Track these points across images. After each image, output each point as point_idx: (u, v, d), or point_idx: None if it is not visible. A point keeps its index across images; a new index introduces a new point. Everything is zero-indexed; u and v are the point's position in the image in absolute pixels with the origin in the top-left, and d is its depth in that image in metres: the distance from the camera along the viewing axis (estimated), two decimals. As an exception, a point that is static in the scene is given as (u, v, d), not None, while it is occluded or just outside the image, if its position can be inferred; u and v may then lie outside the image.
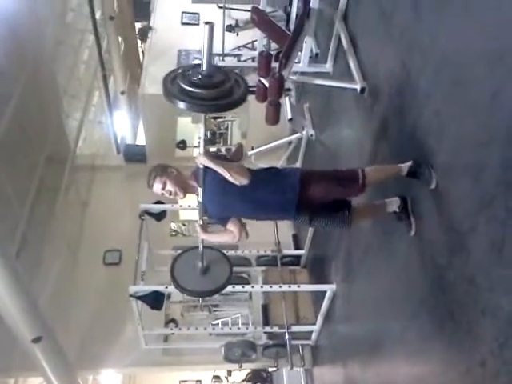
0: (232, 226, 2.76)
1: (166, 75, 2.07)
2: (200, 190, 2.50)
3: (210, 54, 1.94)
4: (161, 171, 2.66)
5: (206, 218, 2.75)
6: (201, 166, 2.40)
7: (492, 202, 1.98)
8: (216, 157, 2.56)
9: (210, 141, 9.19)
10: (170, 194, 2.69)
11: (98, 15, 7.32)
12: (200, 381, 10.72)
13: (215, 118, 9.06)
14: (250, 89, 6.30)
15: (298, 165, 6.08)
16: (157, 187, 2.66)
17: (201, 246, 2.73)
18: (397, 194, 2.89)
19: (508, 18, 1.89)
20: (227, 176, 2.50)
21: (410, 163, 2.65)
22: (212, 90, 1.99)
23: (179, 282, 2.77)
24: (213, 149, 9.23)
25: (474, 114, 2.13)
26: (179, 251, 3.00)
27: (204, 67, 1.97)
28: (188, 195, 2.81)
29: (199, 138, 2.34)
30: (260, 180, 2.67)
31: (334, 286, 4.67)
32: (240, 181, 2.55)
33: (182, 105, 1.95)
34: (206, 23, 1.84)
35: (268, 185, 2.70)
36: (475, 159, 2.13)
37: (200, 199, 2.54)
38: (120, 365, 5.98)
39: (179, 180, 2.69)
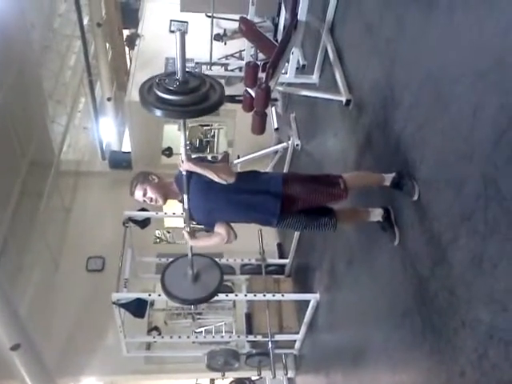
0: (220, 228, 2.77)
1: (142, 84, 2.09)
2: (184, 197, 2.51)
3: (184, 61, 1.96)
4: (142, 178, 2.69)
5: (193, 224, 2.75)
6: (184, 173, 2.42)
7: (472, 215, 2.03)
8: (199, 160, 2.59)
9: (197, 149, 9.22)
10: (151, 201, 2.71)
11: (85, 21, 7.30)
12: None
13: (202, 126, 9.09)
14: (237, 98, 6.36)
15: (284, 174, 6.12)
16: (138, 194, 2.69)
17: (190, 254, 2.74)
18: (381, 205, 2.93)
19: (489, 37, 1.95)
20: (214, 177, 2.53)
21: (393, 174, 2.71)
22: (187, 95, 2.01)
23: (170, 290, 2.77)
24: (194, 155, 9.26)
25: (456, 129, 2.18)
26: (170, 259, 3.00)
27: (179, 74, 1.98)
28: (173, 202, 2.82)
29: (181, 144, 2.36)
30: (244, 181, 2.70)
31: (317, 296, 4.69)
32: (226, 179, 2.57)
33: (158, 112, 1.98)
34: (178, 30, 1.88)
35: (252, 185, 2.73)
36: (457, 173, 2.17)
37: (185, 206, 2.55)
38: (101, 373, 5.90)
39: (160, 187, 2.71)
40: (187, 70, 2.05)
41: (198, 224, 2.79)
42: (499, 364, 1.85)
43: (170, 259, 3.05)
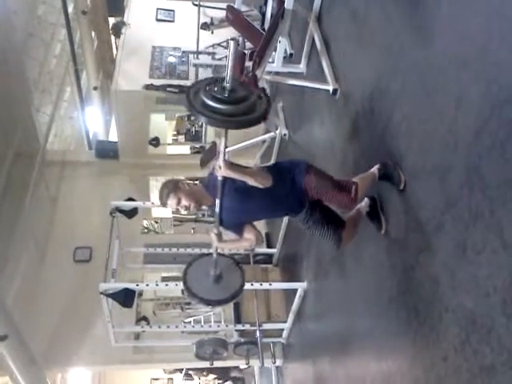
0: (249, 234, 2.74)
1: (188, 88, 2.05)
2: (217, 201, 2.46)
3: (233, 70, 1.95)
4: (173, 187, 2.59)
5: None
6: (220, 178, 2.37)
7: (456, 203, 2.06)
8: (234, 165, 2.50)
9: (185, 138, 9.18)
10: (186, 209, 2.62)
11: (70, 9, 7.20)
12: (172, 379, 10.70)
13: (189, 117, 9.04)
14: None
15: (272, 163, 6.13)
16: (171, 203, 2.59)
17: (215, 254, 2.69)
18: (366, 195, 2.94)
19: (472, 27, 1.97)
20: (252, 182, 2.51)
21: (377, 166, 2.72)
22: (235, 105, 1.99)
23: (192, 289, 2.71)
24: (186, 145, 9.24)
25: (440, 118, 2.20)
26: (193, 258, 2.91)
27: (228, 82, 1.96)
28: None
29: (218, 152, 2.36)
30: (275, 175, 2.67)
31: (304, 284, 4.73)
32: (264, 183, 2.56)
33: (207, 120, 1.97)
34: (232, 40, 1.87)
35: (282, 178, 2.70)
36: (441, 162, 2.20)
37: (217, 209, 2.50)
38: (89, 363, 5.92)
39: (193, 193, 2.63)
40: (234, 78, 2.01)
41: (225, 228, 2.73)
42: (481, 349, 1.89)
43: (195, 256, 2.97)
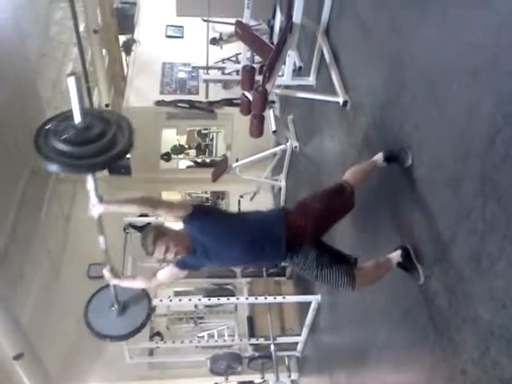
0: (156, 279, 2.58)
1: (37, 130, 1.84)
2: (101, 239, 2.41)
3: (82, 106, 1.74)
4: (159, 233, 2.38)
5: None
6: (96, 216, 2.28)
7: (470, 213, 2.04)
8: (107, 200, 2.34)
9: (196, 151, 9.24)
10: (176, 255, 2.41)
11: (81, 28, 7.31)
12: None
13: (200, 131, 9.11)
14: (234, 101, 6.38)
15: (283, 176, 6.14)
16: (159, 252, 2.35)
17: (113, 289, 2.60)
18: (399, 246, 2.70)
19: (482, 35, 1.97)
20: (143, 209, 2.38)
21: (381, 153, 2.71)
22: (91, 144, 1.78)
23: (93, 325, 2.65)
24: (198, 160, 9.30)
25: (452, 128, 2.19)
26: (95, 291, 2.83)
27: (77, 121, 1.76)
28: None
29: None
30: (246, 217, 2.64)
31: (319, 297, 4.70)
32: (168, 214, 2.41)
33: (55, 167, 1.76)
34: (70, 75, 1.67)
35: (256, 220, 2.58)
36: (454, 172, 2.18)
37: (102, 246, 2.44)
38: (104, 379, 5.90)
39: (180, 236, 2.43)
40: (87, 110, 1.82)
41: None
42: (500, 361, 1.86)
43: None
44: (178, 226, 2.51)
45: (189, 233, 2.43)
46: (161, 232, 2.39)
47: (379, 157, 2.72)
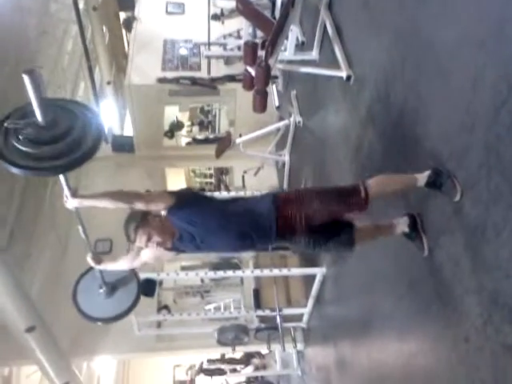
0: (139, 258, 2.52)
1: None
2: (80, 228, 2.39)
3: (42, 103, 1.58)
4: (141, 221, 2.29)
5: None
6: (73, 210, 2.23)
7: (475, 184, 2.07)
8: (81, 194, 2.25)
9: (199, 128, 9.23)
10: (159, 245, 2.33)
11: (81, 5, 7.23)
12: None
13: (202, 108, 9.08)
14: (237, 77, 6.35)
15: (287, 151, 6.15)
16: (141, 240, 2.29)
17: (99, 273, 2.57)
18: (405, 213, 2.64)
19: (487, 7, 1.97)
20: (119, 204, 2.25)
21: (428, 173, 2.32)
22: (59, 142, 1.62)
23: (82, 308, 2.62)
24: (200, 136, 9.30)
25: (457, 100, 2.19)
26: (84, 271, 2.76)
27: (39, 118, 1.60)
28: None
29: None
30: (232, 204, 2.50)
31: (323, 269, 4.77)
32: (148, 206, 2.29)
33: (17, 171, 1.58)
34: (26, 72, 1.52)
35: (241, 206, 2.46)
36: (459, 143, 2.20)
37: (83, 235, 2.40)
38: (114, 351, 6.06)
39: (165, 227, 2.33)
40: (50, 101, 1.66)
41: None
42: (503, 328, 1.92)
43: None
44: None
45: (174, 222, 2.34)
46: (144, 220, 2.29)
47: (421, 178, 2.33)
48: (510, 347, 1.88)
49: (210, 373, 7.60)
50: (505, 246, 1.89)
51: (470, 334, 2.15)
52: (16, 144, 1.59)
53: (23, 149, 1.59)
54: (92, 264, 2.58)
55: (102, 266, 2.61)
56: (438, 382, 2.50)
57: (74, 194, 2.17)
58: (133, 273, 2.75)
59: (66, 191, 2.13)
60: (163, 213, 2.36)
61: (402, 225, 2.59)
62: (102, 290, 2.64)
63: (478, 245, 2.07)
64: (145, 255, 2.50)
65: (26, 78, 1.50)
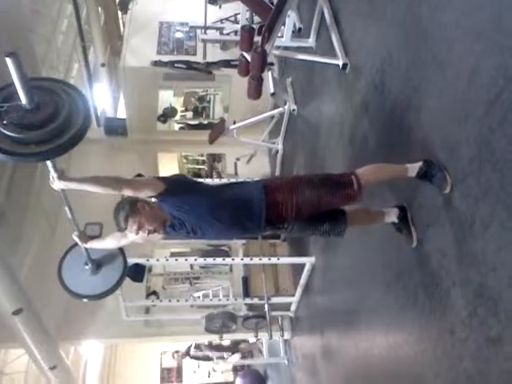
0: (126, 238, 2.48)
1: None
2: (67, 210, 2.36)
3: (27, 85, 1.51)
4: (130, 209, 2.23)
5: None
6: (59, 191, 2.21)
7: (466, 178, 2.06)
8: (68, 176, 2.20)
9: (193, 114, 9.16)
10: (149, 234, 2.29)
11: (76, -17, 7.11)
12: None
13: (197, 94, 9.01)
14: (233, 63, 6.29)
15: (280, 139, 6.12)
16: (131, 229, 2.25)
17: (84, 251, 2.56)
18: (394, 204, 2.66)
19: (486, -2, 1.94)
20: (106, 190, 2.17)
21: (419, 164, 2.31)
22: (45, 127, 1.57)
23: (66, 282, 2.61)
24: (194, 122, 9.24)
25: (452, 91, 2.18)
26: (70, 247, 2.73)
27: (24, 101, 1.55)
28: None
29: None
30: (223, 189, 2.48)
31: (312, 259, 4.77)
32: (134, 192, 2.23)
33: (7, 159, 1.55)
34: (7, 55, 1.48)
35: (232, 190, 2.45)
36: (452, 135, 2.19)
37: (69, 216, 2.37)
38: (101, 336, 6.05)
39: (156, 215, 2.29)
40: (35, 83, 1.58)
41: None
42: (487, 321, 1.92)
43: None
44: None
45: (164, 209, 2.32)
46: (134, 209, 2.24)
47: (413, 168, 2.33)
48: (493, 340, 1.89)
49: (196, 358, 7.64)
50: (492, 240, 1.89)
51: (456, 326, 2.15)
52: (1, 129, 1.55)
53: (8, 133, 1.55)
54: (79, 242, 2.56)
55: (88, 245, 2.59)
56: (422, 372, 2.51)
57: (61, 176, 2.13)
58: (119, 250, 2.74)
59: (53, 173, 2.09)
60: (153, 200, 2.32)
61: (393, 215, 2.62)
62: (87, 267, 2.63)
63: (465, 238, 2.07)
64: (132, 236, 2.45)
65: (8, 61, 1.46)
